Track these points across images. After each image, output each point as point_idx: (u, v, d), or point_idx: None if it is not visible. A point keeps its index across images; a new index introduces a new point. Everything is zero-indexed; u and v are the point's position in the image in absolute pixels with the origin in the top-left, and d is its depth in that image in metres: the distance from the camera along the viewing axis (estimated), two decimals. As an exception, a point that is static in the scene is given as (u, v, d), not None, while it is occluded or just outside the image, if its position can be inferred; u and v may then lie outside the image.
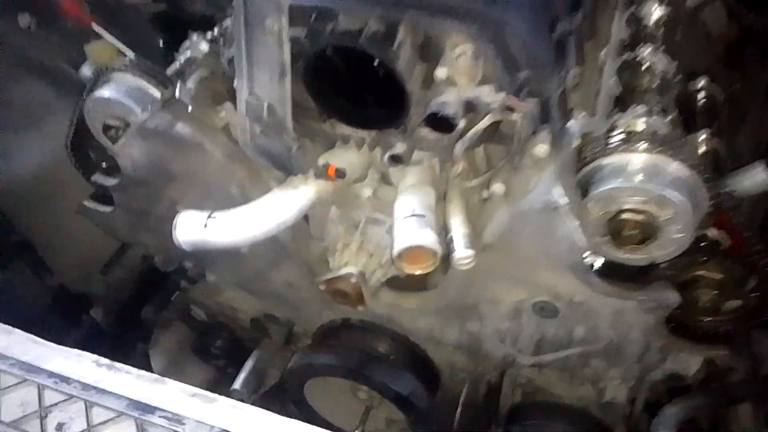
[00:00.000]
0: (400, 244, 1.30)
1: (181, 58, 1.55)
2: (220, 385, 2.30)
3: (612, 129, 1.28)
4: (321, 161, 1.45)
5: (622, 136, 1.24)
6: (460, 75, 1.24)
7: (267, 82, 1.27)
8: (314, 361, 1.77)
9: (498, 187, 1.36)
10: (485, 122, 1.24)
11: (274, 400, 2.37)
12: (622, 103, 1.38)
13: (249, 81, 1.29)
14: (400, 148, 1.41)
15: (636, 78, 1.50)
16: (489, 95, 1.23)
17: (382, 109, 1.34)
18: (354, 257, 1.56)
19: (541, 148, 1.24)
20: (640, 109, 1.32)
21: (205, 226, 1.41)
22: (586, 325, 1.51)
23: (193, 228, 1.41)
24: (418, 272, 1.36)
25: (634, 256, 1.23)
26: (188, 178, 1.58)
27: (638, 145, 1.19)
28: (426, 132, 1.41)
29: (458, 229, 1.36)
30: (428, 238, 1.29)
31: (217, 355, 2.25)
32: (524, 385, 1.83)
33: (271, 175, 1.60)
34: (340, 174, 1.43)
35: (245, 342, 2.25)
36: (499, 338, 1.69)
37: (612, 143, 1.23)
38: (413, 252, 1.31)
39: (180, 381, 2.32)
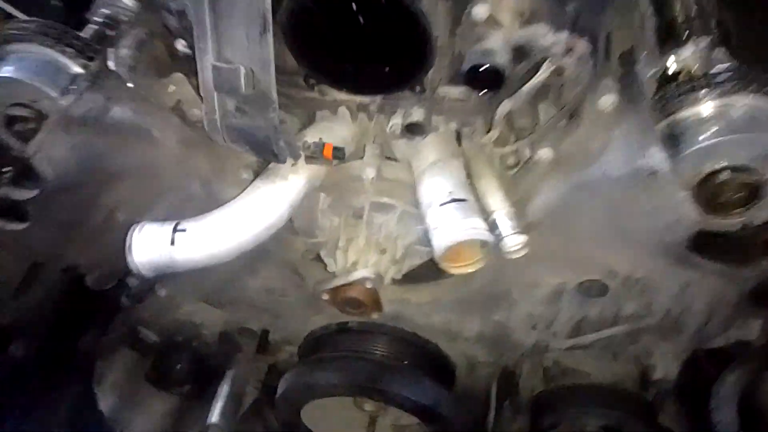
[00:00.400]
0: (444, 241, 1.01)
1: (97, 16, 1.15)
2: (187, 414, 1.95)
3: (679, 70, 1.04)
4: (309, 139, 1.11)
5: (700, 77, 1.00)
6: (505, 12, 0.95)
7: (243, 41, 0.91)
8: (314, 382, 1.47)
9: (545, 153, 1.10)
10: (545, 72, 0.96)
11: (256, 420, 2.06)
12: (669, 37, 1.14)
13: (216, 41, 0.93)
14: (417, 114, 1.11)
15: (671, 7, 1.27)
16: (546, 36, 0.94)
17: (393, 65, 1.02)
18: (363, 255, 1.26)
19: (608, 100, 0.98)
20: (702, 41, 1.09)
21: (172, 243, 1.05)
22: (639, 301, 1.30)
23: (156, 247, 1.05)
24: (466, 271, 1.08)
25: (729, 221, 1.01)
26: (132, 176, 1.20)
27: (729, 85, 0.95)
28: (448, 91, 1.11)
29: (500, 209, 1.08)
30: (478, 229, 1.01)
31: (178, 381, 1.89)
32: (550, 368, 1.62)
33: (241, 162, 1.25)
34: (339, 154, 1.10)
35: (211, 360, 1.89)
36: (530, 325, 1.46)
37: (692, 87, 0.98)
38: (458, 248, 1.03)
39: (138, 418, 1.96)
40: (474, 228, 1.00)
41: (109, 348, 1.89)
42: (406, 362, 1.51)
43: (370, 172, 1.21)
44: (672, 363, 1.43)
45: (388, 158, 1.26)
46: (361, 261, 1.25)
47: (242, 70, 0.93)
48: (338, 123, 1.22)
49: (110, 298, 1.82)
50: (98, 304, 1.87)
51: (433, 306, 1.45)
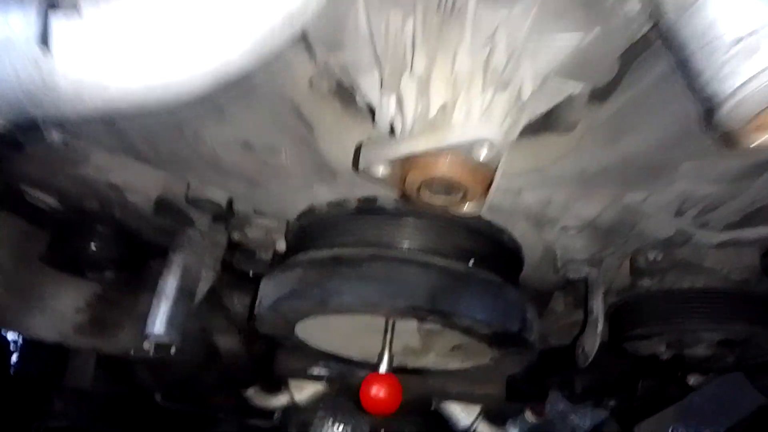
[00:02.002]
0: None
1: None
2: (114, 308, 1.36)
3: None
4: None
5: None
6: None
7: None
8: (332, 296, 0.89)
9: None
10: None
11: (213, 313, 1.51)
12: None
13: None
14: None
15: None
16: None
17: None
18: (462, 93, 0.62)
19: None
20: None
21: (44, 42, 0.37)
22: None
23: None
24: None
25: None
26: None
27: None
28: None
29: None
30: None
31: (95, 263, 1.27)
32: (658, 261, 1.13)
33: None
34: None
35: (144, 236, 1.28)
36: (676, 209, 0.92)
37: None
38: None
39: (38, 315, 1.35)
40: None
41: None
42: (471, 262, 0.95)
43: None
44: None
45: None
46: (460, 105, 0.61)
47: None
48: None
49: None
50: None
51: (535, 179, 0.87)
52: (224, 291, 1.52)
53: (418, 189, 0.67)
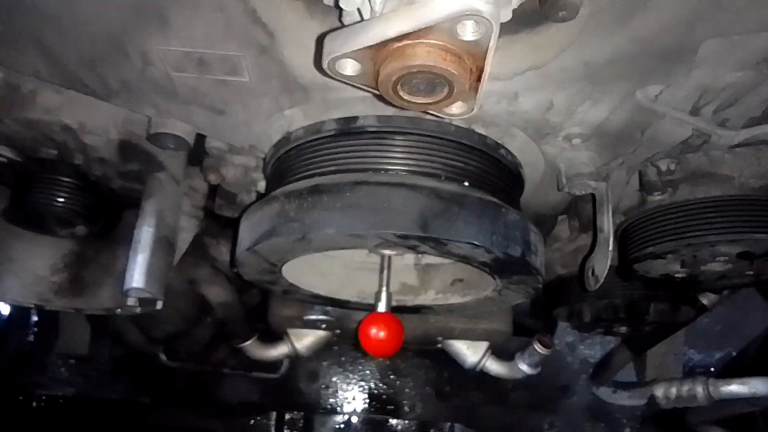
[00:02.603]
0: None
1: None
2: (92, 262, 1.28)
3: None
4: None
5: None
6: None
7: None
8: (317, 230, 0.79)
9: None
10: None
11: (199, 262, 1.42)
12: None
13: None
14: None
15: None
16: None
17: None
18: None
19: None
20: None
21: None
22: None
23: None
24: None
25: None
26: None
27: None
28: None
29: None
30: None
31: (62, 218, 1.17)
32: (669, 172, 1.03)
33: None
34: None
35: (113, 183, 1.17)
36: (693, 104, 0.82)
37: None
38: None
39: (9, 278, 1.25)
40: None
41: None
42: (466, 183, 0.85)
43: None
44: None
45: None
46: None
47: None
48: None
49: None
50: None
51: (533, 79, 0.76)
52: (209, 240, 1.43)
53: (395, 86, 0.56)
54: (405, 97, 0.58)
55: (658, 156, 0.96)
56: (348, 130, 0.86)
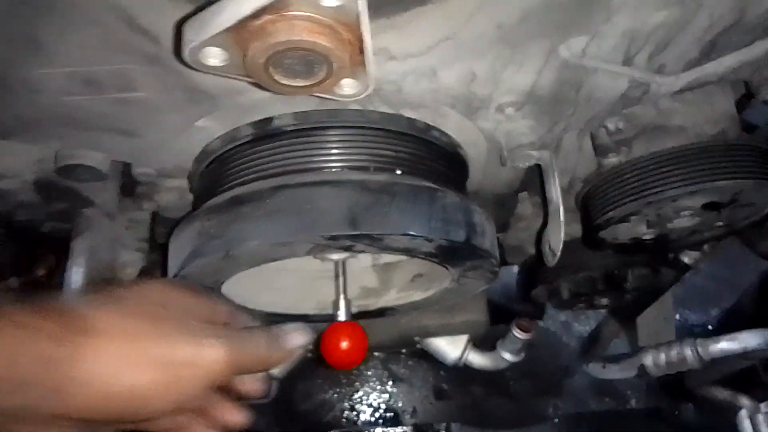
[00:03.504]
0: None
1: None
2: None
3: None
4: None
5: None
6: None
7: None
8: (240, 245, 0.73)
9: None
10: None
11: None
12: None
13: None
14: None
15: None
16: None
17: None
18: None
19: None
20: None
21: None
22: None
23: None
24: None
25: None
26: None
27: None
28: None
29: None
30: None
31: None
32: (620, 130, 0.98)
33: None
34: None
35: (39, 228, 1.11)
36: (624, 54, 0.76)
37: None
38: None
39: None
40: None
41: None
42: (399, 172, 0.80)
43: None
44: None
45: None
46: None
47: None
48: None
49: None
50: None
51: (448, 51, 0.70)
52: (158, 272, 1.36)
53: (267, 70, 0.50)
54: (283, 82, 0.52)
55: (601, 115, 0.91)
56: (264, 133, 0.80)
